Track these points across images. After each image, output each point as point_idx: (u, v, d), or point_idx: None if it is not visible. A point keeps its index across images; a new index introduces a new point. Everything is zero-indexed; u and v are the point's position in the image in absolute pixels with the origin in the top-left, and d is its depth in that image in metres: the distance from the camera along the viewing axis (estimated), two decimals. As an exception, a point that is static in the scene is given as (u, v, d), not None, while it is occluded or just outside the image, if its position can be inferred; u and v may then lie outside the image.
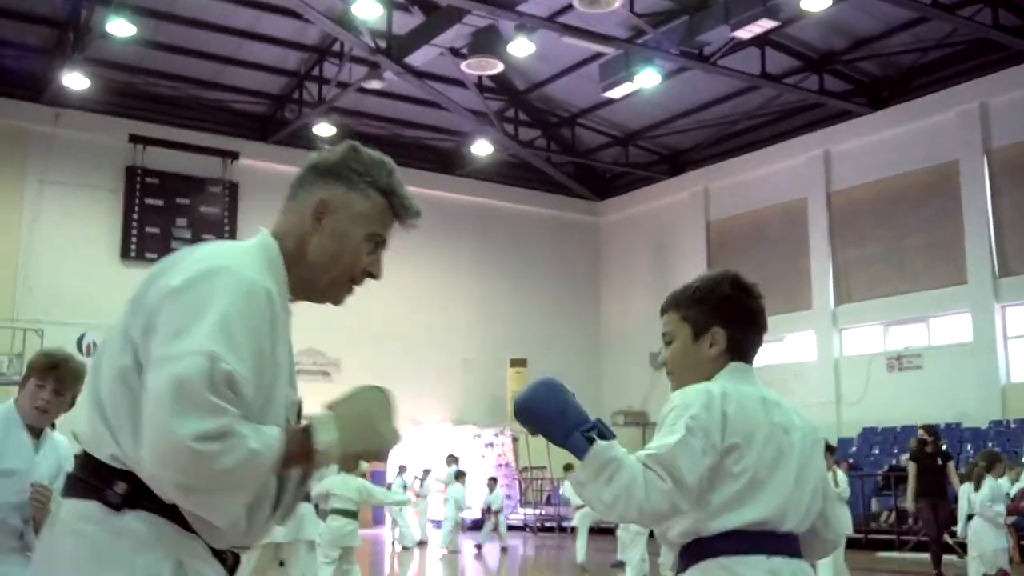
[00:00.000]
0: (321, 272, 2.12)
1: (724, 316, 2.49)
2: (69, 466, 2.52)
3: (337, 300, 2.17)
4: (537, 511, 23.25)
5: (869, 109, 21.42)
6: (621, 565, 13.40)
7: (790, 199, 23.22)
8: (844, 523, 2.99)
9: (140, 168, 22.56)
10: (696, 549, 2.33)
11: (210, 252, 2.02)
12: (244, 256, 2.03)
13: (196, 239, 22.96)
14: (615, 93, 20.54)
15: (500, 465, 23.25)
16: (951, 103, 20.08)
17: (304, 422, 2.00)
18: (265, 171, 23.76)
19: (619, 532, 13.66)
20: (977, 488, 9.40)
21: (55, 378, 3.86)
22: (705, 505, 2.30)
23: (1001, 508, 9.44)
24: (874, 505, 17.68)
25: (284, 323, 2.03)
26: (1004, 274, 19.32)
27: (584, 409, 2.31)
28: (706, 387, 2.37)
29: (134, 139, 22.37)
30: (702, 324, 2.49)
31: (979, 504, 9.32)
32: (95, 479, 1.88)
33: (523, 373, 25.32)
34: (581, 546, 14.75)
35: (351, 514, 9.20)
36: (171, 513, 1.87)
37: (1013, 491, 10.16)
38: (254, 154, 23.68)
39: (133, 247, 22.33)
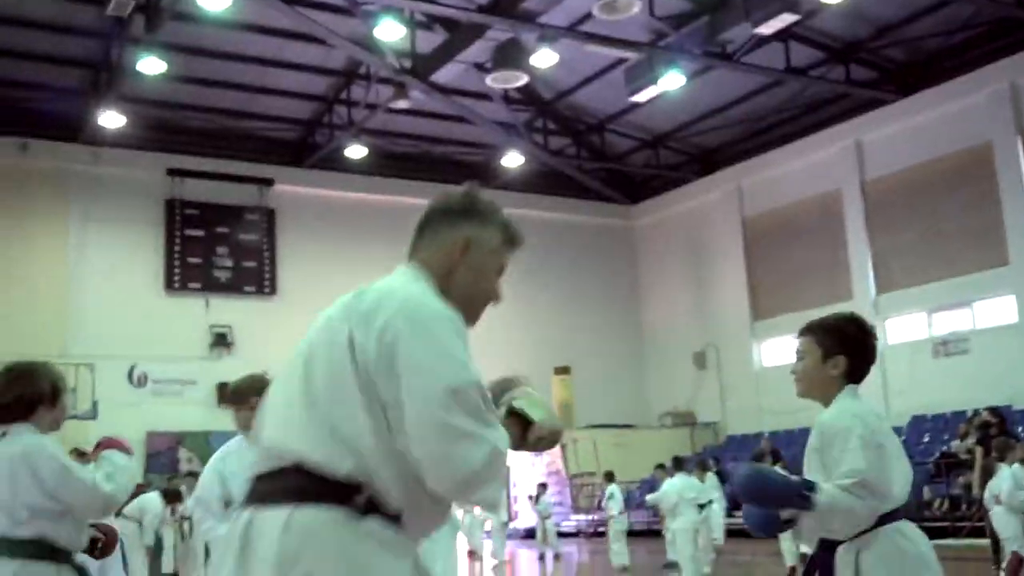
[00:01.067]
0: (464, 301, 2.37)
1: (849, 348, 3.31)
2: None
3: (472, 323, 2.42)
4: (589, 517, 23.28)
5: (898, 96, 21.30)
6: (674, 565, 13.46)
7: (824, 191, 23.13)
8: None
9: (179, 200, 23.01)
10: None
11: (409, 292, 2.29)
12: (431, 296, 2.32)
13: (238, 267, 23.39)
14: (641, 97, 20.61)
15: (550, 472, 23.33)
16: (980, 84, 19.92)
17: (512, 408, 2.38)
18: (300, 196, 24.18)
19: (667, 533, 13.75)
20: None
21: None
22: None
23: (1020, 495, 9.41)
24: (926, 493, 17.51)
25: None
26: (1046, 252, 19.11)
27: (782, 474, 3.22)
28: (851, 411, 3.19)
29: (172, 172, 22.82)
30: (831, 351, 3.30)
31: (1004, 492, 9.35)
32: (334, 489, 2.13)
33: (567, 380, 25.41)
34: (621, 550, 14.88)
35: None
36: (395, 520, 2.16)
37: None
38: (289, 179, 24.05)
39: (176, 278, 22.76)
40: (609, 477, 16.62)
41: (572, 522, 23.28)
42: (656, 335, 27.74)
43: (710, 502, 13.70)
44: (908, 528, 3.19)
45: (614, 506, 15.67)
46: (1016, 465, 9.69)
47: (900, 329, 21.72)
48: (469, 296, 2.40)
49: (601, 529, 22.68)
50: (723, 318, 25.45)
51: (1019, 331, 19.31)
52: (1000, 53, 19.61)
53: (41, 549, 3.62)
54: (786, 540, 12.01)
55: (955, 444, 17.62)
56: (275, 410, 2.30)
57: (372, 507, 2.13)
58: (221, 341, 22.83)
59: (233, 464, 4.82)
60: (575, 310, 26.84)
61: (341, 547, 2.09)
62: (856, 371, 3.31)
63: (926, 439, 19.60)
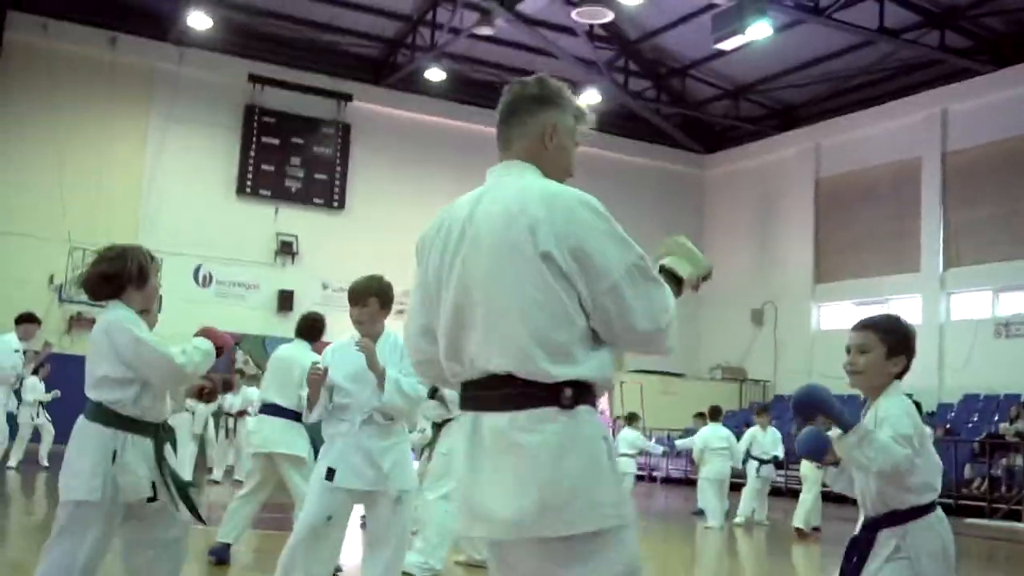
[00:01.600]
0: (554, 177, 2.69)
1: (909, 349, 3.59)
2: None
3: None
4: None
5: (991, 67, 20.74)
6: (701, 513, 13.63)
7: (904, 158, 22.71)
8: None
9: (258, 107, 23.31)
10: (910, 514, 3.43)
11: (570, 196, 2.57)
12: (559, 185, 2.63)
13: (309, 178, 23.71)
14: (727, 45, 20.30)
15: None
16: (1078, 64, 19.33)
17: (663, 267, 2.82)
18: (377, 114, 24.34)
19: (700, 482, 13.89)
20: None
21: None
22: (917, 483, 3.42)
23: None
24: (967, 471, 17.45)
25: None
26: (1124, 243, 18.66)
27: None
28: (901, 404, 3.46)
29: (253, 79, 23.09)
30: (896, 349, 3.55)
31: None
32: (544, 391, 2.45)
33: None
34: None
35: None
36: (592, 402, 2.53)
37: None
38: (367, 97, 24.21)
39: (249, 184, 23.15)
40: (629, 419, 16.34)
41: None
42: (716, 287, 27.20)
43: (775, 457, 13.57)
44: (943, 520, 3.50)
45: (623, 446, 15.09)
46: None
47: (964, 306, 21.43)
48: (558, 175, 2.70)
49: (640, 473, 22.97)
50: (785, 277, 25.28)
51: (1086, 320, 18.96)
52: (1103, 33, 18.99)
53: (100, 413, 3.98)
54: (808, 469, 12.06)
55: (1003, 426, 17.47)
56: (467, 328, 2.54)
57: (577, 399, 2.44)
58: (287, 250, 23.26)
59: (339, 357, 5.24)
60: (637, 254, 26.79)
61: (558, 439, 2.41)
62: (906, 371, 3.59)
63: (975, 418, 19.44)
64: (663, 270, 2.76)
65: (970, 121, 21.34)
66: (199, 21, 20.94)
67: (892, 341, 3.56)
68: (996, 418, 18.57)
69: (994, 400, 19.54)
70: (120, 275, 4.04)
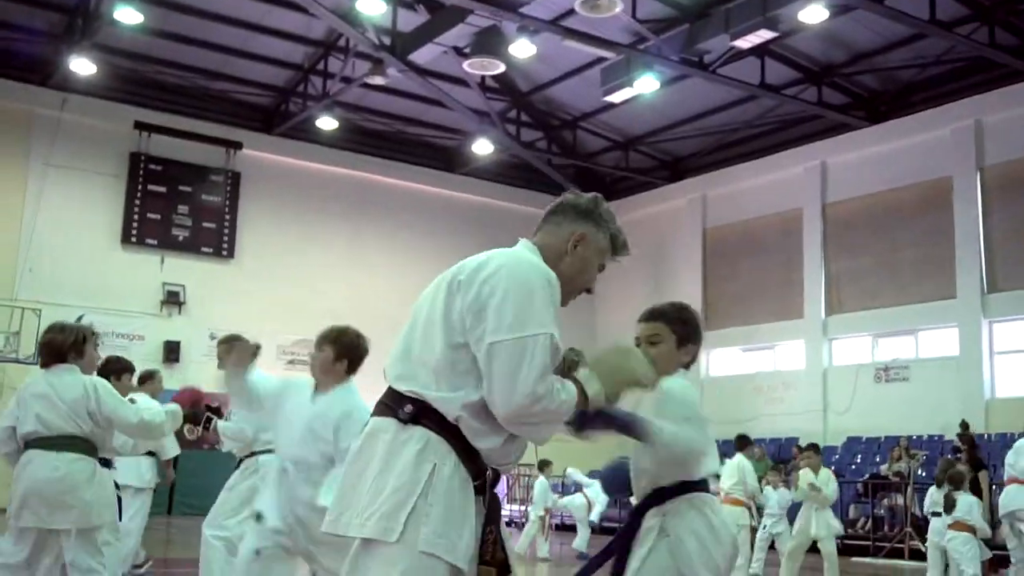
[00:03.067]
0: (566, 283, 2.84)
1: (697, 337, 3.74)
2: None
3: (565, 303, 2.89)
4: (522, 507, 23.46)
5: (867, 123, 21.63)
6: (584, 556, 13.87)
7: (786, 209, 23.44)
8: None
9: (144, 155, 22.83)
10: (676, 490, 3.46)
11: (517, 258, 2.76)
12: (536, 259, 2.82)
13: (197, 227, 23.26)
14: (616, 98, 20.78)
15: (489, 462, 23.50)
16: (947, 119, 20.29)
17: (575, 379, 2.78)
18: (267, 162, 24.09)
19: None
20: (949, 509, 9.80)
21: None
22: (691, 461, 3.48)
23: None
24: (852, 511, 17.91)
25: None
26: (992, 290, 19.54)
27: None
28: (683, 385, 3.61)
29: (139, 126, 22.63)
30: (685, 338, 3.68)
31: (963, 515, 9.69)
32: (393, 403, 2.69)
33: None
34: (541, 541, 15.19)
35: None
36: (446, 432, 2.64)
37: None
38: (257, 145, 23.95)
39: (134, 232, 22.59)
40: (540, 467, 16.68)
41: (506, 511, 23.44)
42: (608, 335, 27.88)
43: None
44: (711, 500, 3.55)
45: (538, 497, 15.85)
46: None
47: (846, 351, 22.09)
48: (570, 281, 2.88)
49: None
50: (675, 324, 25.70)
51: (958, 363, 19.74)
52: (969, 90, 19.99)
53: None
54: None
55: (884, 467, 18.01)
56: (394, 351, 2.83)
57: (417, 417, 2.64)
58: (173, 299, 22.73)
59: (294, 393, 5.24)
60: (530, 303, 26.93)
61: (384, 448, 2.64)
62: (694, 360, 3.78)
63: (858, 460, 20.00)
64: (576, 382, 2.77)
65: (848, 174, 22.18)
66: (82, 67, 20.46)
67: (682, 331, 3.66)
68: (878, 459, 19.12)
69: (875, 442, 20.13)
70: (61, 345, 5.60)
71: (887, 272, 21.22)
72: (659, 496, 3.45)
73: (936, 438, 19.30)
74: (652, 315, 3.72)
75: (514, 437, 2.71)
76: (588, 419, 3.13)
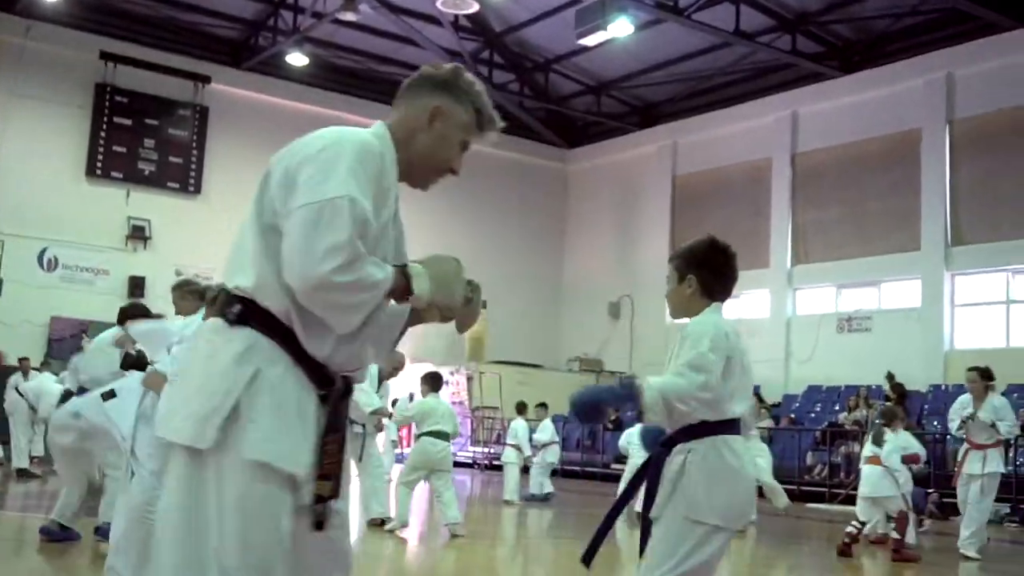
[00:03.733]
0: (421, 161, 2.66)
1: (696, 267, 3.60)
2: None
3: (425, 187, 2.75)
4: (487, 449, 23.71)
5: (839, 72, 21.63)
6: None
7: (755, 158, 23.49)
8: None
9: (110, 86, 22.46)
10: (700, 429, 3.40)
11: (334, 130, 2.55)
12: (362, 131, 2.57)
13: (163, 161, 22.99)
14: (590, 41, 20.60)
15: (454, 403, 23.59)
16: (919, 71, 20.34)
17: (403, 267, 2.52)
18: (236, 97, 23.77)
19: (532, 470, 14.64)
20: (877, 442, 9.97)
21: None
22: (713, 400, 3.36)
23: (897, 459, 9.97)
24: (809, 458, 18.24)
25: (393, 185, 2.60)
26: (956, 243, 19.76)
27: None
28: (711, 321, 3.48)
29: (105, 56, 22.23)
30: (683, 272, 3.61)
31: (884, 455, 9.88)
32: (224, 303, 2.48)
33: (483, 314, 25.63)
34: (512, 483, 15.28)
35: (443, 435, 9.58)
36: (276, 333, 2.42)
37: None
38: (226, 79, 23.61)
39: (99, 165, 22.30)
40: (518, 410, 16.86)
41: (469, 453, 23.66)
42: (576, 280, 28.06)
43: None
44: (736, 443, 3.45)
45: (515, 438, 15.90)
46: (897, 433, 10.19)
47: (809, 301, 22.33)
48: (426, 159, 2.66)
49: (497, 462, 23.14)
50: (642, 271, 25.81)
51: (920, 315, 20.01)
52: (942, 42, 20.01)
53: None
54: None
55: (843, 416, 18.31)
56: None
57: (244, 317, 2.43)
58: (139, 234, 22.52)
59: None
60: (499, 246, 26.97)
61: (208, 348, 2.45)
62: (710, 287, 3.59)
63: (818, 408, 20.31)
64: (403, 272, 2.49)
65: (819, 124, 22.22)
66: (48, -7, 20.04)
67: (682, 264, 3.61)
68: (837, 408, 19.43)
69: (835, 391, 20.43)
70: None
71: (853, 223, 21.38)
72: (685, 433, 3.42)
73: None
74: (670, 256, 3.73)
75: (351, 339, 2.47)
76: (584, 409, 3.34)
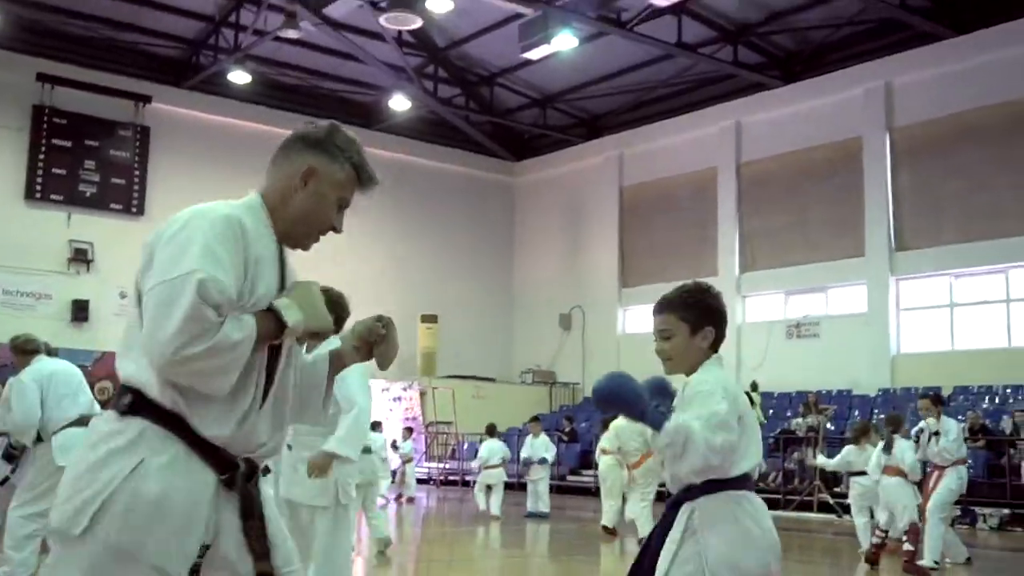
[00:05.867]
0: (297, 223, 2.63)
1: (714, 318, 3.31)
2: None
3: (306, 247, 2.70)
4: (441, 465, 23.57)
5: (781, 82, 21.89)
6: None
7: (701, 168, 23.68)
8: None
9: (48, 108, 22.06)
10: (709, 486, 3.13)
11: (194, 209, 2.51)
12: (223, 205, 2.53)
13: (105, 182, 22.62)
14: (533, 54, 20.65)
15: (407, 419, 23.46)
16: (858, 80, 20.65)
17: (269, 308, 2.49)
18: (178, 116, 23.47)
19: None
20: (888, 449, 9.89)
21: None
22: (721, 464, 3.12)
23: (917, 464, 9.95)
24: (764, 465, 18.33)
25: (267, 253, 2.56)
26: (900, 248, 20.05)
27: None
28: (716, 378, 3.20)
29: (42, 78, 21.83)
30: (698, 323, 3.28)
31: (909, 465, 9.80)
32: (117, 394, 2.47)
33: (434, 329, 25.54)
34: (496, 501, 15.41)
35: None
36: (166, 421, 2.39)
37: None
38: (167, 99, 23.30)
39: (39, 188, 21.87)
40: (489, 431, 16.81)
41: (424, 469, 23.50)
42: (526, 292, 28.06)
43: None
44: (752, 500, 3.18)
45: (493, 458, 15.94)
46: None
47: (758, 308, 22.52)
48: (303, 221, 2.62)
49: (453, 477, 23.02)
50: (592, 282, 25.91)
51: (866, 320, 20.27)
52: (880, 52, 20.34)
53: None
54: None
55: (795, 422, 18.46)
56: None
57: (135, 408, 2.41)
58: (81, 257, 22.12)
59: None
60: (448, 260, 26.91)
61: (96, 437, 2.42)
62: (720, 339, 3.34)
63: (769, 414, 20.43)
64: (270, 309, 2.48)
65: (762, 133, 22.46)
66: (-19, 15, 19.65)
67: (693, 316, 3.28)
68: (788, 414, 19.59)
69: (787, 397, 20.61)
70: None
71: (799, 230, 21.63)
72: (688, 493, 3.16)
73: (845, 393, 19.85)
74: (659, 307, 3.35)
75: (252, 415, 2.47)
76: (606, 399, 3.11)
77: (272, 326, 2.46)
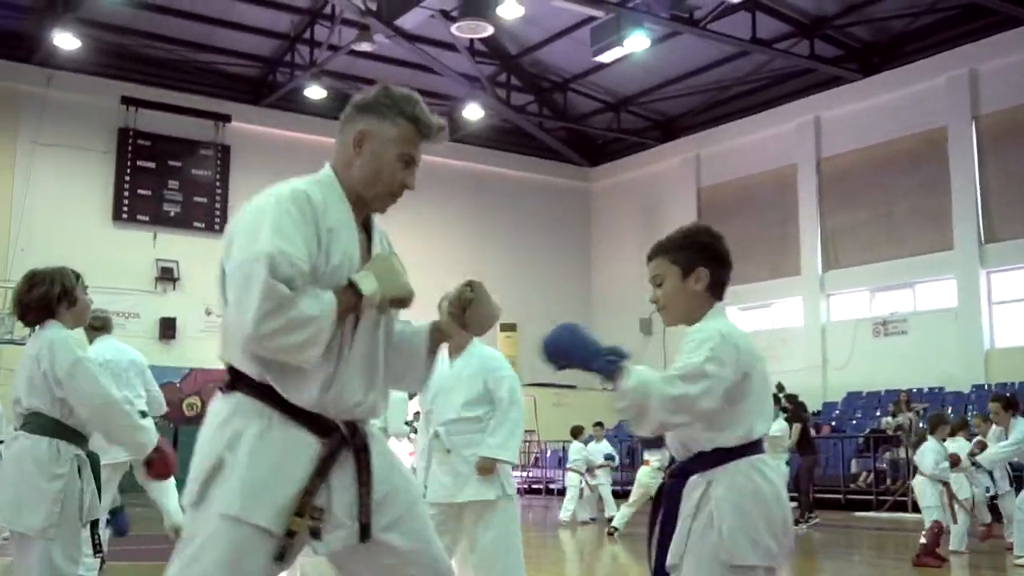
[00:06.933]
0: (366, 187, 2.68)
1: (706, 257, 3.00)
2: None
3: (383, 209, 2.75)
4: (525, 473, 23.53)
5: (859, 75, 21.46)
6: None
7: (780, 165, 23.31)
8: None
9: (132, 130, 22.62)
10: (717, 456, 2.83)
11: (266, 192, 2.62)
12: (292, 182, 2.63)
13: (188, 201, 23.10)
14: (606, 57, 20.56)
15: (490, 428, 23.49)
16: (940, 69, 20.14)
17: (351, 280, 2.58)
18: (256, 134, 23.87)
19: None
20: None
21: None
22: (726, 422, 2.82)
23: (945, 466, 9.79)
24: (854, 466, 17.96)
25: (341, 222, 2.63)
26: (990, 240, 19.48)
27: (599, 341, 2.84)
28: (715, 326, 2.87)
29: (126, 101, 22.41)
30: (690, 265, 2.98)
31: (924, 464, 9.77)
32: (224, 375, 2.66)
33: (513, 338, 25.50)
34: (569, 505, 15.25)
35: None
36: (257, 393, 2.55)
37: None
38: (246, 117, 23.73)
39: (125, 209, 22.43)
40: (574, 433, 16.74)
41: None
42: (604, 298, 27.91)
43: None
44: (765, 463, 2.87)
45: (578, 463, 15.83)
46: (942, 440, 10.05)
47: (843, 306, 22.06)
48: (369, 183, 2.67)
49: (536, 485, 22.99)
50: (672, 285, 25.65)
51: (957, 315, 19.72)
52: (962, 39, 19.82)
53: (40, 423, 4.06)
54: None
55: (885, 421, 18.02)
56: None
57: (232, 384, 2.59)
58: (167, 276, 22.61)
59: None
60: (526, 268, 26.89)
61: (216, 416, 2.59)
62: (720, 284, 3.03)
63: (859, 415, 20.02)
64: (349, 283, 2.56)
65: (842, 127, 22.03)
66: (67, 42, 20.21)
67: (684, 258, 2.99)
68: (878, 413, 19.14)
69: (876, 396, 20.14)
70: (50, 296, 4.24)
71: (883, 225, 21.14)
72: (700, 462, 2.85)
73: (936, 390, 19.32)
74: (651, 252, 3.09)
75: (339, 379, 2.57)
76: (556, 352, 2.84)
77: (350, 298, 2.54)
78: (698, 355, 2.77)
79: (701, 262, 2.99)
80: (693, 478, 2.86)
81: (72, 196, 21.79)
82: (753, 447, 2.85)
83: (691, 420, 2.76)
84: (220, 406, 2.59)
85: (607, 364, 2.76)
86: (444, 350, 5.30)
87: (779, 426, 12.89)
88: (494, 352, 5.47)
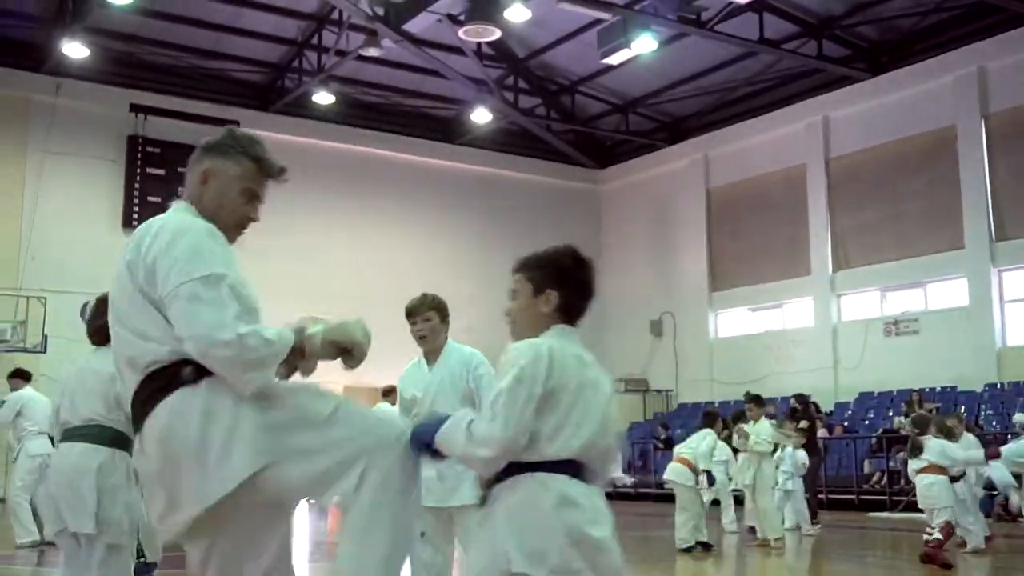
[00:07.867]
0: (212, 219, 2.88)
1: (559, 281, 3.01)
2: None
3: (231, 239, 2.93)
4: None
5: (868, 74, 21.41)
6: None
7: (789, 165, 23.26)
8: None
9: (141, 137, 22.67)
10: (510, 468, 2.79)
11: (169, 219, 2.85)
12: (181, 216, 2.89)
13: (198, 208, 23.10)
14: (614, 60, 20.53)
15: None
16: (949, 68, 20.08)
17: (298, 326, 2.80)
18: (264, 139, 23.72)
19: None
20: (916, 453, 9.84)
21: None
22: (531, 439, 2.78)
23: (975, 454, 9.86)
24: (867, 466, 17.90)
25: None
26: (1001, 238, 19.40)
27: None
28: (537, 343, 2.87)
29: (135, 108, 22.46)
30: (542, 285, 3.00)
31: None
32: (170, 372, 2.79)
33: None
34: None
35: None
36: (207, 371, 2.70)
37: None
38: (254, 123, 23.62)
39: (135, 216, 22.44)
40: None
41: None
42: (615, 300, 27.81)
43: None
44: (551, 479, 2.76)
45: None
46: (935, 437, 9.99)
47: (854, 306, 21.99)
48: (215, 218, 2.89)
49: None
50: (682, 287, 25.62)
51: (968, 314, 19.64)
52: (970, 37, 19.76)
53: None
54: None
55: (897, 420, 17.97)
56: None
57: (199, 374, 2.67)
58: (178, 282, 22.63)
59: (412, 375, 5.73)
60: (536, 271, 26.83)
61: (194, 404, 2.66)
62: (573, 308, 3.03)
63: (871, 415, 19.95)
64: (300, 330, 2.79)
65: (850, 127, 21.98)
66: (75, 51, 20.28)
67: (539, 277, 3.00)
68: (891, 413, 19.08)
69: (888, 396, 20.07)
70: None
71: (893, 225, 21.07)
72: (505, 471, 2.81)
73: (949, 390, 19.25)
74: (515, 266, 3.09)
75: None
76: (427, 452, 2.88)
77: (298, 339, 2.75)
78: (503, 383, 2.78)
79: (553, 285, 3.00)
80: (495, 487, 2.86)
81: (82, 204, 21.85)
82: (551, 466, 2.76)
83: (490, 458, 2.76)
84: (188, 400, 2.66)
85: (428, 433, 2.87)
86: (421, 357, 5.54)
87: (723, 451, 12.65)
88: (473, 351, 5.57)
